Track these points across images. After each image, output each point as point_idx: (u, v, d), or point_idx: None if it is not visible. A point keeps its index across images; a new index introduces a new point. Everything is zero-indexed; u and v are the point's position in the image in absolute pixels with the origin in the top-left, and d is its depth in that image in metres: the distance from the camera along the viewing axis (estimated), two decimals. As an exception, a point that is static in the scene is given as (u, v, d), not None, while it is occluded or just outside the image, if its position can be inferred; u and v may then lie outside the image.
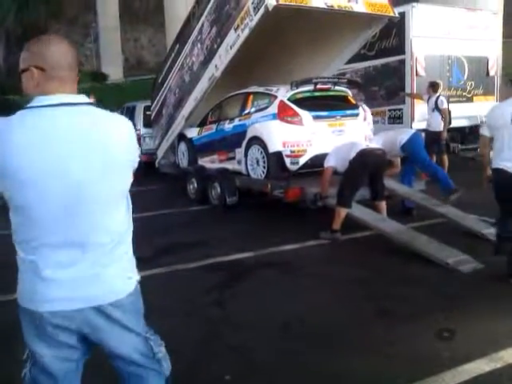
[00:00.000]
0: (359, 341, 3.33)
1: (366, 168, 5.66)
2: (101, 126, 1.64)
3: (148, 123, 11.27)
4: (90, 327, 1.72)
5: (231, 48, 7.19)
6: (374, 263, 4.89)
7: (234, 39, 7.07)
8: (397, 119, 10.44)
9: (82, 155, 1.58)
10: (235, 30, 7.01)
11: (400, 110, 10.54)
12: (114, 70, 68.58)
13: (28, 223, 1.61)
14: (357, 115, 7.15)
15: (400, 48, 10.39)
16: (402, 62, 10.41)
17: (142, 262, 5.23)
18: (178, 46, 8.62)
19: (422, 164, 6.67)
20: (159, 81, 9.56)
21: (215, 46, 7.43)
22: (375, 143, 6.47)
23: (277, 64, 8.15)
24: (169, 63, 9.01)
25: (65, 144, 1.57)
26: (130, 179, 1.75)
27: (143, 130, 11.58)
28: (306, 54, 8.20)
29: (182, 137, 9.09)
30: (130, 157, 1.72)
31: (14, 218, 1.64)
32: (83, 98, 1.66)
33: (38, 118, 1.58)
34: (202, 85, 7.86)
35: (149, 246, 5.69)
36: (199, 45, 7.89)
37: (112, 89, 58.27)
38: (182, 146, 9.17)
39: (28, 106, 1.61)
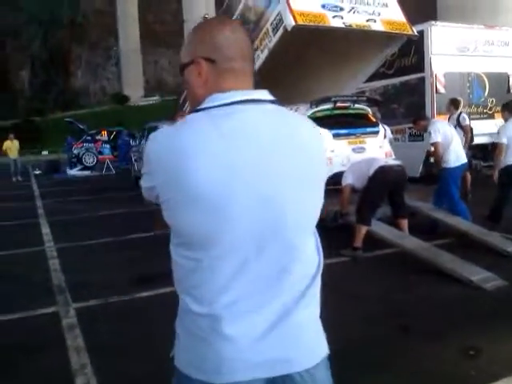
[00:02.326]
0: (383, 358, 3.29)
1: (386, 185, 5.63)
2: (300, 129, 1.25)
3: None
4: None
5: (251, 68, 7.30)
6: (396, 280, 4.84)
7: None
8: (417, 137, 10.40)
9: (282, 166, 1.17)
10: (255, 50, 7.13)
11: (420, 127, 10.52)
12: (135, 92, 70.38)
13: (208, 261, 1.16)
14: (377, 133, 7.18)
15: (419, 66, 10.43)
16: (422, 79, 10.43)
17: (163, 278, 5.29)
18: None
19: (448, 198, 6.42)
20: (180, 101, 9.73)
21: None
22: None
23: (296, 83, 8.23)
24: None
25: (258, 151, 1.15)
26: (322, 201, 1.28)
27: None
28: (325, 73, 8.28)
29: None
30: (326, 171, 1.32)
31: (186, 257, 1.20)
32: (267, 95, 1.25)
33: (216, 120, 1.16)
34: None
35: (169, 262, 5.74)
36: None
37: (133, 110, 59.54)
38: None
39: (199, 107, 1.22)
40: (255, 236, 1.15)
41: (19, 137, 18.72)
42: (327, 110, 6.95)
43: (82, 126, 21.85)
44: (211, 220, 1.13)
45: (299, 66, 7.85)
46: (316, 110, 6.86)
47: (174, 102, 10.70)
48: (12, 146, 18.28)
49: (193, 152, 1.13)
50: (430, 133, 6.51)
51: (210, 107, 1.19)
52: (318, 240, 1.30)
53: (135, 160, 14.60)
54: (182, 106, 10.22)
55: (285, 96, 7.79)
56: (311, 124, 1.29)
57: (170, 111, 23.38)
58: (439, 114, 10.07)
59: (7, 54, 76.47)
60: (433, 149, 6.61)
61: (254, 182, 1.14)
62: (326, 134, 6.70)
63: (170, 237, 1.26)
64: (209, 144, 1.13)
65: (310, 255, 1.25)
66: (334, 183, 6.65)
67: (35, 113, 56.43)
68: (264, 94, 1.24)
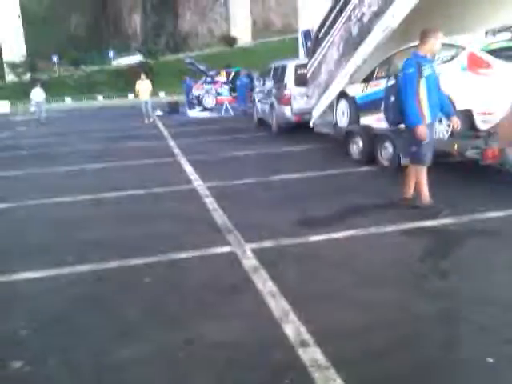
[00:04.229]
0: None
1: None
2: None
3: (300, 82, 11.03)
4: None
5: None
6: None
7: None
8: None
9: None
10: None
11: None
12: (242, 34, 69.70)
13: None
14: None
15: None
16: None
17: (333, 221, 5.01)
18: (345, -3, 8.09)
19: None
20: (319, 36, 9.14)
21: (393, -6, 6.80)
22: None
23: (447, 15, 7.27)
24: (332, 17, 8.53)
25: None
26: None
27: (294, 90, 11.31)
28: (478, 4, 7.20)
29: (341, 95, 8.69)
30: None
31: None
32: None
33: None
34: (374, 37, 7.30)
35: (329, 206, 5.46)
36: (372, -6, 7.29)
37: (241, 52, 59.22)
38: (342, 105, 8.78)
39: None
40: None
41: (134, 80, 18.53)
42: (505, 41, 6.04)
43: (201, 67, 21.95)
44: None
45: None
46: (491, 41, 5.98)
47: (314, 37, 9.96)
48: (142, 87, 17.79)
49: None
50: None
51: None
52: None
53: (259, 101, 14.36)
54: (312, 53, 9.62)
55: (436, 25, 6.99)
56: None
57: (289, 50, 22.70)
58: None
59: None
60: None
61: None
62: (503, 67, 5.86)
63: None
64: None
65: None
66: None
67: (148, 56, 58.10)
68: None
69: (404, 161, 6.96)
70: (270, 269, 3.77)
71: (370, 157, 7.59)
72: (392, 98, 5.10)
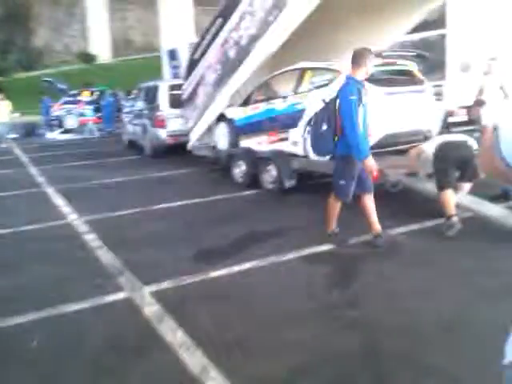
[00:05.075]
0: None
1: (449, 161, 5.10)
2: None
3: (174, 104, 10.73)
4: None
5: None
6: (483, 249, 4.49)
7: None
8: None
9: None
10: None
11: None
12: (101, 51, 66.83)
13: None
14: (424, 91, 6.71)
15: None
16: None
17: (230, 253, 4.79)
18: (220, 19, 8.02)
19: None
20: (194, 58, 8.96)
21: (271, 18, 6.88)
22: None
23: (321, 39, 7.61)
24: (208, 39, 8.41)
25: None
26: None
27: (168, 111, 10.97)
28: (353, 27, 7.67)
29: (221, 117, 8.57)
30: None
31: None
32: None
33: None
34: (253, 59, 7.32)
35: (222, 235, 5.25)
36: (249, 17, 7.32)
37: (101, 70, 56.76)
38: (222, 127, 8.65)
39: None
40: None
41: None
42: (375, 66, 6.37)
43: (62, 86, 20.50)
44: None
45: (327, 19, 7.22)
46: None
47: (189, 60, 9.71)
48: None
49: None
50: None
51: None
52: None
53: (129, 122, 13.70)
54: (187, 75, 9.42)
55: (310, 52, 7.26)
56: None
57: (152, 69, 22.17)
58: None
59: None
60: None
61: None
62: (376, 91, 6.19)
63: None
64: None
65: None
66: (384, 145, 6.23)
67: (-1, 72, 53.19)
68: None
69: (287, 184, 7.04)
70: (176, 315, 3.43)
71: (253, 180, 7.55)
72: (324, 127, 4.57)
